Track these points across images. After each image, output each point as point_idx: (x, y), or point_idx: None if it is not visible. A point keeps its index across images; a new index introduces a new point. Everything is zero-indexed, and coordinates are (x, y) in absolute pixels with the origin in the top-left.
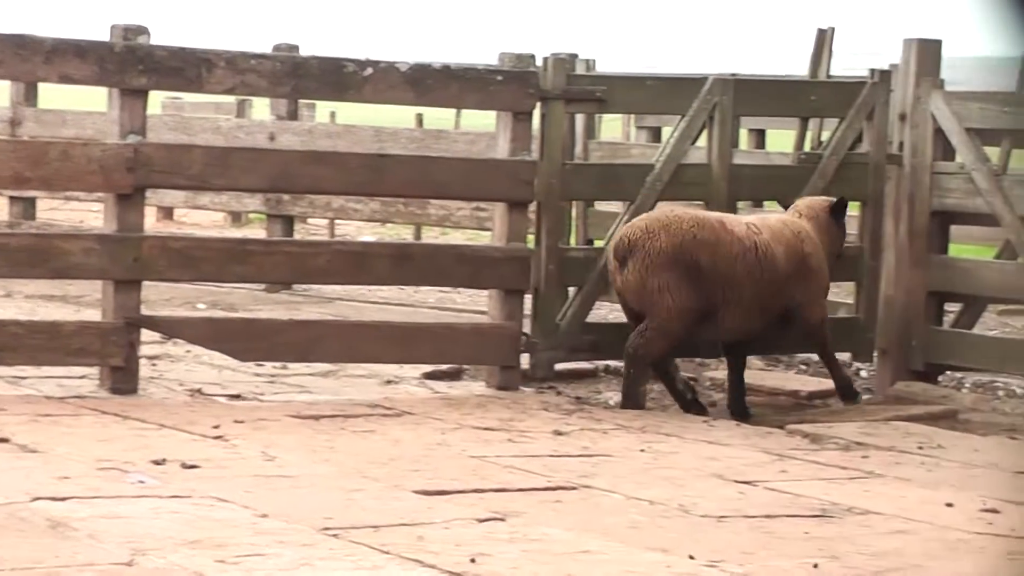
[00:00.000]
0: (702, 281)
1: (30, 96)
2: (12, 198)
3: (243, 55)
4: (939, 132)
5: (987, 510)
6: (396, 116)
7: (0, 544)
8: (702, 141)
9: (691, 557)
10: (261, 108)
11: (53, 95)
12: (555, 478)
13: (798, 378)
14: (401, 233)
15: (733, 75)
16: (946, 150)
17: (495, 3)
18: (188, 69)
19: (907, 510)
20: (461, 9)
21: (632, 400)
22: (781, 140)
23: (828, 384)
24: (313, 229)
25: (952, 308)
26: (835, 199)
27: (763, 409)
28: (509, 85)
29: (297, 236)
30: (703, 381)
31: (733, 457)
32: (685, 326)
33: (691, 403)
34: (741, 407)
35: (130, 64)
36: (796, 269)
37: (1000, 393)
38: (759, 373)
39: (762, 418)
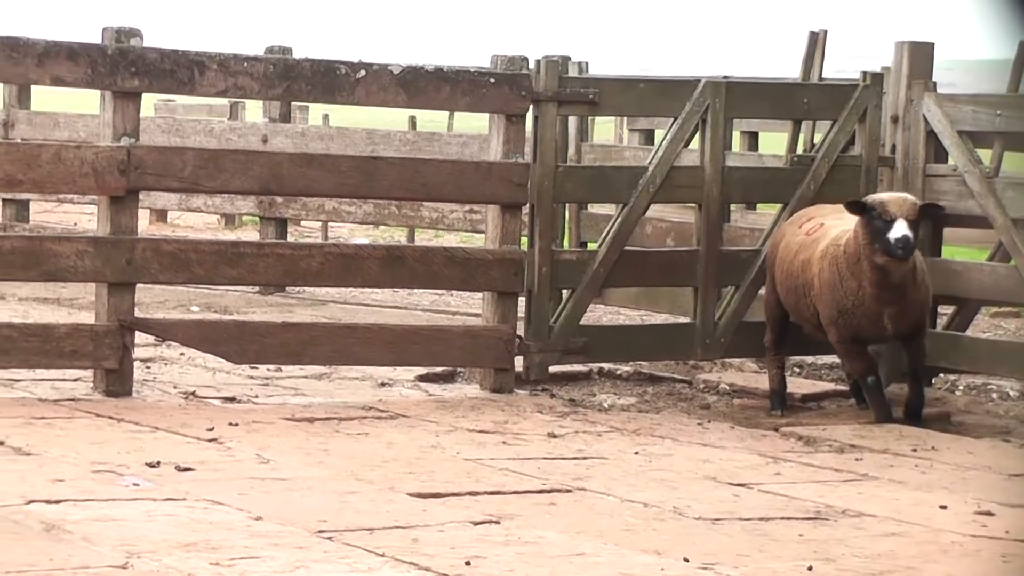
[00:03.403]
0: (771, 273)
1: (23, 98)
2: (5, 200)
3: (235, 57)
4: (931, 134)
5: (981, 512)
6: (389, 119)
7: None
8: (695, 143)
9: (686, 559)
10: (254, 110)
11: (45, 97)
12: (549, 481)
13: (792, 380)
14: (394, 235)
15: (725, 77)
16: (938, 152)
17: (488, 6)
18: (180, 71)
19: (901, 512)
20: (454, 11)
21: (770, 386)
22: (774, 142)
23: (823, 387)
24: (307, 232)
25: (945, 311)
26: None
27: (757, 411)
28: (501, 87)
29: (291, 239)
30: (697, 383)
31: (727, 459)
32: (768, 315)
33: (776, 397)
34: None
35: (122, 66)
36: (808, 282)
37: (993, 395)
38: (753, 376)
39: (756, 420)
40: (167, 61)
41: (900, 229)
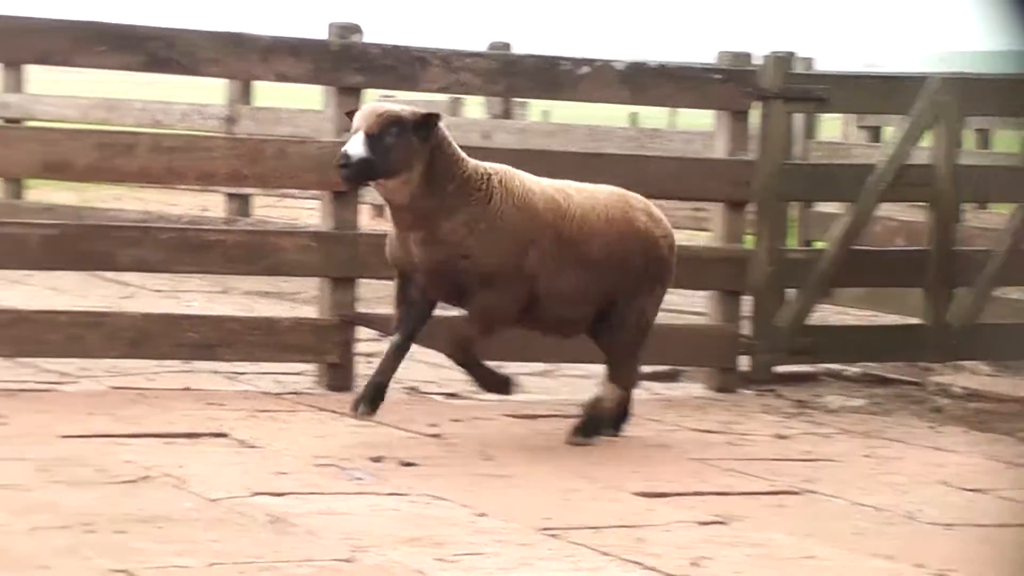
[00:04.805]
0: None
1: (246, 94)
2: (229, 195)
3: (457, 53)
4: None
5: None
6: (605, 115)
7: (222, 538)
8: (924, 141)
9: (919, 566)
10: (473, 107)
11: (265, 92)
12: (777, 482)
13: None
14: None
15: (959, 73)
16: None
17: (711, 2)
18: (402, 67)
19: None
20: (677, 8)
21: None
22: (1007, 140)
23: None
24: None
25: None
26: None
27: (992, 416)
28: (727, 84)
29: None
30: (928, 386)
31: (960, 464)
32: None
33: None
34: None
35: (345, 62)
36: None
37: None
38: (988, 379)
39: (992, 425)
40: (389, 57)
41: (347, 144)
